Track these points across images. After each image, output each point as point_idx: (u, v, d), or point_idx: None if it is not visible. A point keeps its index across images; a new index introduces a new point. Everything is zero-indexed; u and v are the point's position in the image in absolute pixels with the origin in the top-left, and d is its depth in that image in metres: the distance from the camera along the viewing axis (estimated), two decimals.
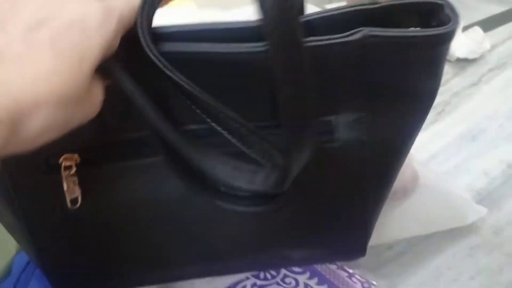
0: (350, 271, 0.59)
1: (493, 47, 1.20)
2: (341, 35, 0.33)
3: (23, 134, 0.25)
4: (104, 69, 0.28)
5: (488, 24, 1.30)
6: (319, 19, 0.34)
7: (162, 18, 0.34)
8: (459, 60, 1.15)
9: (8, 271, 0.53)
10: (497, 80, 1.10)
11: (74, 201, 0.37)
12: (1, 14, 0.27)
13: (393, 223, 0.62)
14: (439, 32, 0.34)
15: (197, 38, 0.32)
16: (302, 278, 0.57)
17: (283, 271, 0.57)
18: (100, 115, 0.30)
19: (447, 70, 1.06)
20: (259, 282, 0.55)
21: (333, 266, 0.59)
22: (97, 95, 0.30)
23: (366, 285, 0.57)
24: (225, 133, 0.31)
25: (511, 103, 1.02)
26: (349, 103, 0.37)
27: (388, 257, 0.65)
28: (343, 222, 0.48)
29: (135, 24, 0.30)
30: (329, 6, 0.42)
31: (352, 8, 0.34)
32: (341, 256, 0.53)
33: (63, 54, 0.26)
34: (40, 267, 0.48)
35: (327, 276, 0.57)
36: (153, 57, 0.29)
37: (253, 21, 0.30)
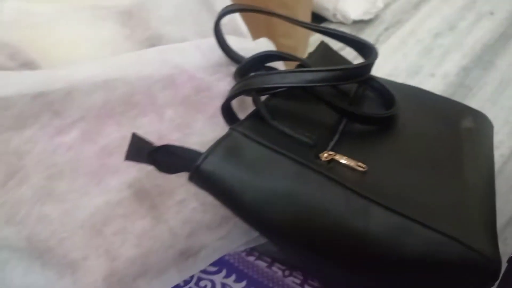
0: (269, 260, 0.51)
1: (387, 5, 1.15)
2: None
3: None
4: None
5: None
6: None
7: None
8: (355, 23, 1.09)
9: None
10: (394, 38, 1.05)
11: None
12: None
13: None
14: None
15: None
16: (218, 278, 0.48)
17: (197, 274, 0.48)
18: None
19: None
20: None
21: (251, 258, 0.51)
22: None
23: (287, 272, 0.49)
24: None
25: (410, 60, 0.98)
26: None
27: None
28: None
29: None
30: None
31: None
32: None
33: None
34: None
35: (245, 271, 0.50)
36: None
37: None
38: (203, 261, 0.46)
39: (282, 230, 0.36)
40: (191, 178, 0.37)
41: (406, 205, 0.36)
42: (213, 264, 0.50)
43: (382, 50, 1.00)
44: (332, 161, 0.39)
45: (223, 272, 0.49)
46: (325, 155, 0.39)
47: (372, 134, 0.46)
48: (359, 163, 0.39)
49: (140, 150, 0.38)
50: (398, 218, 0.35)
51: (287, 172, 0.36)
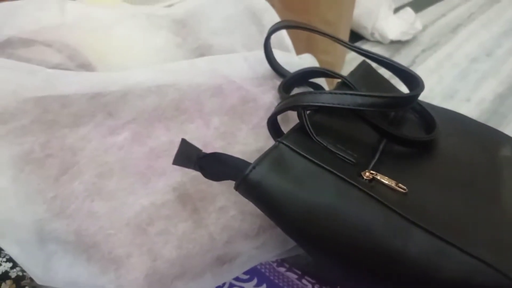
0: (299, 272, 0.51)
1: (425, 27, 1.15)
2: None
3: None
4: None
5: (419, 4, 1.24)
6: None
7: None
8: (393, 43, 1.09)
9: None
10: (430, 60, 1.04)
11: None
12: None
13: None
14: None
15: None
16: (249, 286, 0.49)
17: (229, 280, 0.49)
18: None
19: (382, 53, 0.99)
20: None
21: (281, 269, 0.51)
22: None
23: (317, 286, 0.50)
24: None
25: (445, 83, 0.97)
26: None
27: None
28: None
29: None
30: None
31: None
32: None
33: None
34: None
35: (276, 281, 0.50)
36: None
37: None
38: (237, 269, 0.47)
39: (321, 243, 0.37)
40: (238, 187, 0.38)
41: (445, 229, 0.36)
42: (245, 272, 0.50)
43: (418, 72, 1.00)
44: (373, 180, 0.40)
45: (255, 281, 0.50)
46: (367, 174, 0.40)
47: (411, 156, 0.46)
48: (400, 184, 0.40)
49: (188, 156, 0.39)
50: (436, 241, 0.35)
51: (331, 187, 0.37)
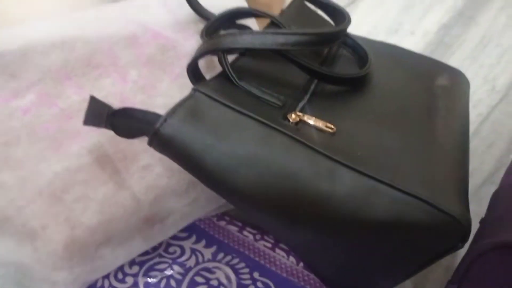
0: (240, 224, 0.50)
1: None
2: None
3: None
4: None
5: None
6: None
7: None
8: None
9: None
10: None
11: None
12: None
13: None
14: None
15: None
16: (187, 244, 0.47)
17: (166, 240, 0.47)
18: None
19: None
20: (138, 259, 0.44)
21: (222, 223, 0.50)
22: None
23: (258, 236, 0.49)
24: None
25: (390, 18, 0.95)
26: None
27: None
28: None
29: None
30: None
31: None
32: None
33: None
34: None
35: (216, 235, 0.48)
36: None
37: None
38: (171, 228, 0.45)
39: (246, 195, 0.35)
40: (151, 143, 0.35)
41: (374, 166, 0.35)
42: (182, 230, 0.49)
43: (360, 9, 0.98)
44: (300, 122, 0.38)
45: (193, 238, 0.48)
46: (293, 116, 0.38)
47: (344, 94, 0.45)
48: (328, 124, 0.38)
49: (99, 114, 0.36)
50: (365, 180, 0.34)
51: (251, 134, 0.35)
